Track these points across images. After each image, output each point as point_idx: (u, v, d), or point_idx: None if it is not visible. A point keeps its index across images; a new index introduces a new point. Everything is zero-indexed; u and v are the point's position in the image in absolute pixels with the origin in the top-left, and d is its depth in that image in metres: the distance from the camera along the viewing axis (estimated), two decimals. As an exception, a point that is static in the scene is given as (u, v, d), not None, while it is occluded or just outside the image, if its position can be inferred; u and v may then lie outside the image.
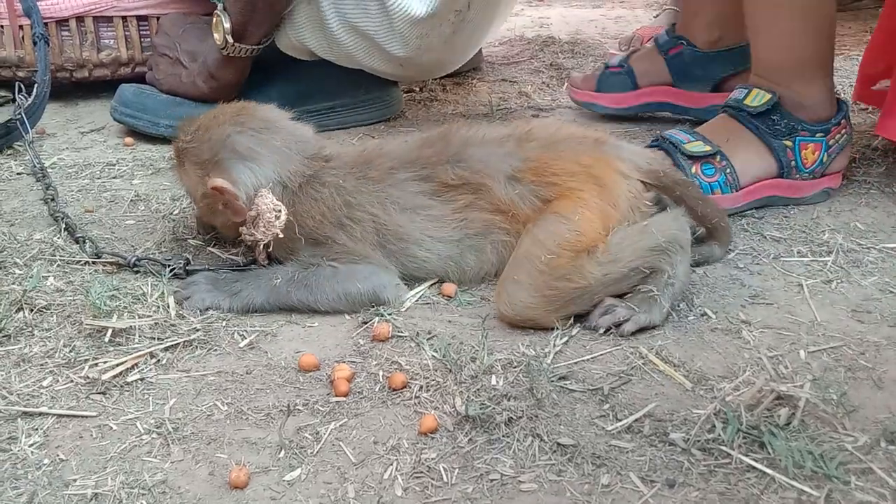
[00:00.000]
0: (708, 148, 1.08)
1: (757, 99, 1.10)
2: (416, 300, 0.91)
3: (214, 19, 1.33)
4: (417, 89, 1.75)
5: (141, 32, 1.65)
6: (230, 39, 1.32)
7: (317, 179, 0.93)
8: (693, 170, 1.07)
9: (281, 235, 0.89)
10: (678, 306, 0.88)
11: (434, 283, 0.94)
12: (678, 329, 0.85)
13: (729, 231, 0.98)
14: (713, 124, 1.14)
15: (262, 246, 0.91)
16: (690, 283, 0.92)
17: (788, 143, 1.09)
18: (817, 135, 1.09)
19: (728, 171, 1.08)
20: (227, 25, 1.31)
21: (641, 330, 0.84)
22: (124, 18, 1.63)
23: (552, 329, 0.84)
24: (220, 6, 1.32)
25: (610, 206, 0.89)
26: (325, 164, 0.94)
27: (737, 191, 1.08)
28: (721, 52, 1.40)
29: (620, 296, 0.86)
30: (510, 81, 1.76)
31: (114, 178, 1.30)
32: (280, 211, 0.88)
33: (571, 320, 0.85)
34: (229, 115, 0.95)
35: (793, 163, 1.10)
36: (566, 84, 1.53)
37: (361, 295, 0.88)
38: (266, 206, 0.88)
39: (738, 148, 1.09)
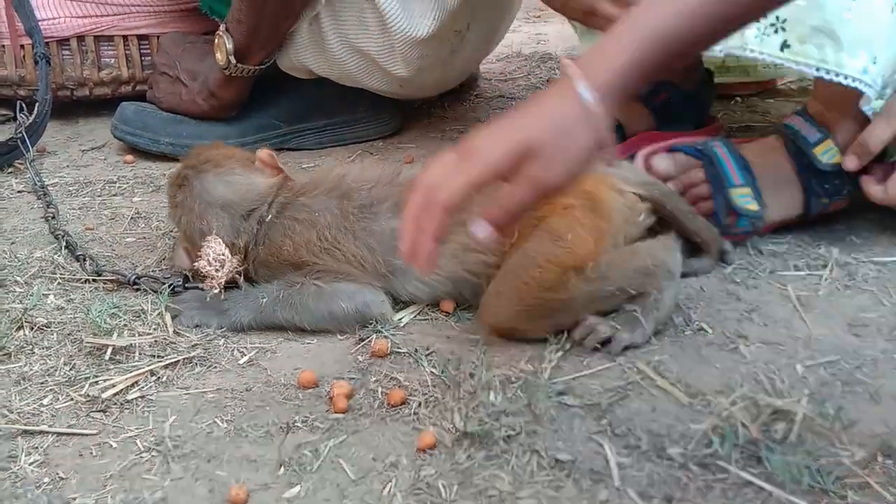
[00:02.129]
0: (755, 207, 1.02)
1: (828, 156, 1.01)
2: (415, 316, 0.92)
3: (217, 40, 1.34)
4: (416, 106, 1.76)
5: (142, 51, 1.66)
6: (233, 60, 1.34)
7: (287, 214, 0.93)
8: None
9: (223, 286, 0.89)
10: (675, 320, 0.88)
11: (432, 300, 0.94)
12: (675, 344, 0.85)
13: (719, 244, 0.99)
14: (764, 153, 1.06)
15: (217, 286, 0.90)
16: (687, 297, 0.92)
17: (826, 200, 1.04)
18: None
19: (757, 221, 1.03)
20: (230, 46, 1.33)
21: (630, 347, 0.84)
22: (125, 38, 1.64)
23: (547, 342, 0.85)
24: (222, 27, 1.34)
25: (603, 221, 0.89)
26: (295, 197, 0.94)
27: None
28: (708, 88, 1.36)
29: (606, 314, 0.86)
30: (508, 97, 1.77)
31: (114, 195, 1.31)
32: (224, 262, 0.88)
33: (564, 334, 0.86)
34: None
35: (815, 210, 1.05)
36: None
37: (346, 313, 0.88)
38: (208, 256, 0.88)
39: (776, 193, 1.03)
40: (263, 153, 1.00)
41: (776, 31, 0.93)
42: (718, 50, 0.95)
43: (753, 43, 0.94)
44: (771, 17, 0.92)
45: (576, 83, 0.68)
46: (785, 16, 0.92)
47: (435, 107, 1.74)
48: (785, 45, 0.93)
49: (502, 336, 0.87)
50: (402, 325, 0.90)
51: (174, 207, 0.96)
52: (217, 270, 0.87)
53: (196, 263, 0.88)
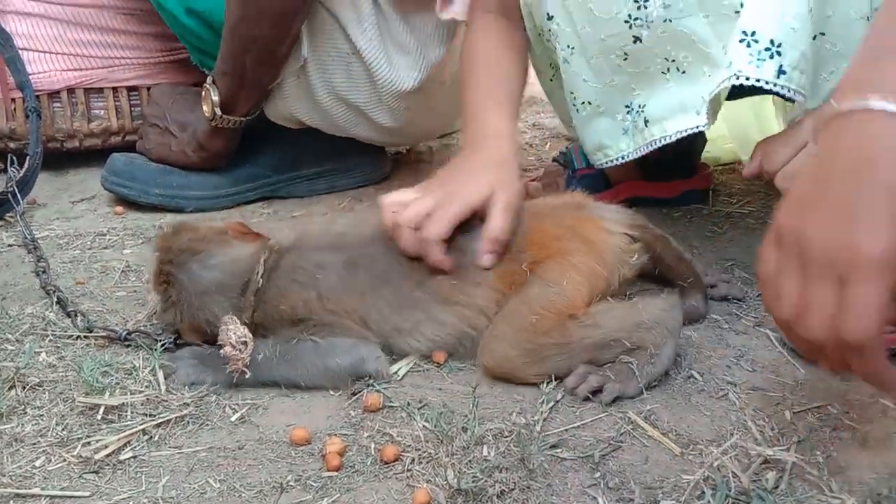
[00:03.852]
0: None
1: None
2: (410, 368, 0.92)
3: (203, 92, 1.36)
4: (405, 151, 1.79)
5: (131, 102, 1.68)
6: (218, 112, 1.35)
7: (280, 274, 0.93)
8: None
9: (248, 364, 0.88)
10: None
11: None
12: (666, 392, 0.86)
13: (704, 288, 1.00)
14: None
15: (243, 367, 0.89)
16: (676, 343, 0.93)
17: None
18: None
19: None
20: (216, 98, 1.34)
21: (620, 398, 0.84)
22: (115, 89, 1.66)
23: (539, 389, 0.85)
24: (209, 79, 1.36)
25: (598, 263, 0.91)
26: (284, 256, 0.95)
27: None
28: (699, 138, 1.34)
29: (602, 364, 0.87)
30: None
31: (104, 248, 1.31)
32: (247, 342, 0.87)
33: (554, 383, 0.86)
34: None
35: None
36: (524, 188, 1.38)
37: (343, 369, 0.88)
38: (230, 340, 0.86)
39: None
40: (233, 225, 0.99)
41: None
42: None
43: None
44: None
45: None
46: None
47: (423, 152, 1.76)
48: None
49: (499, 379, 0.88)
50: (395, 377, 0.90)
51: (170, 307, 0.94)
52: (242, 352, 0.86)
53: (222, 351, 0.86)
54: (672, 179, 1.36)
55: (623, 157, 1.11)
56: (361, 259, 0.94)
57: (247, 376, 0.87)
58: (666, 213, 1.33)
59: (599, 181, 1.35)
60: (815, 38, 0.91)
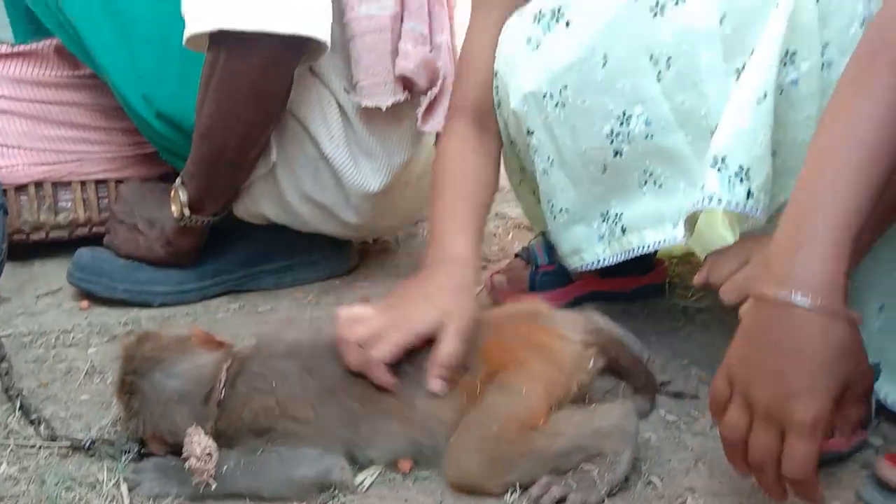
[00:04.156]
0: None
1: None
2: (375, 477, 0.93)
3: (172, 192, 1.39)
4: (371, 241, 1.82)
5: (99, 195, 1.69)
6: (187, 212, 1.38)
7: (242, 382, 0.94)
8: None
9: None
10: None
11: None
12: (626, 499, 0.88)
13: (655, 392, 1.04)
14: None
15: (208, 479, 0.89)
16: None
17: None
18: None
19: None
20: (185, 199, 1.37)
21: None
22: (83, 182, 1.68)
23: (503, 501, 0.87)
24: (178, 180, 1.38)
25: (556, 371, 0.94)
26: (245, 364, 0.96)
27: None
28: None
29: (562, 473, 0.89)
30: (459, 232, 1.83)
31: (69, 346, 1.31)
32: (212, 453, 0.87)
33: (518, 492, 0.88)
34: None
35: None
36: (486, 285, 1.42)
37: (307, 480, 0.89)
38: (194, 453, 0.87)
39: None
40: (198, 333, 1.00)
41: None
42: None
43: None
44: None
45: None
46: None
47: (390, 242, 1.80)
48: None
49: (464, 492, 0.89)
50: (362, 489, 0.91)
51: (133, 416, 0.95)
52: (206, 463, 0.87)
53: (187, 464, 0.86)
54: (628, 275, 1.40)
55: (599, 262, 1.15)
56: (316, 369, 0.95)
57: (212, 488, 0.87)
58: (623, 308, 1.37)
59: (561, 277, 1.38)
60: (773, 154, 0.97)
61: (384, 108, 1.33)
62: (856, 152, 0.71)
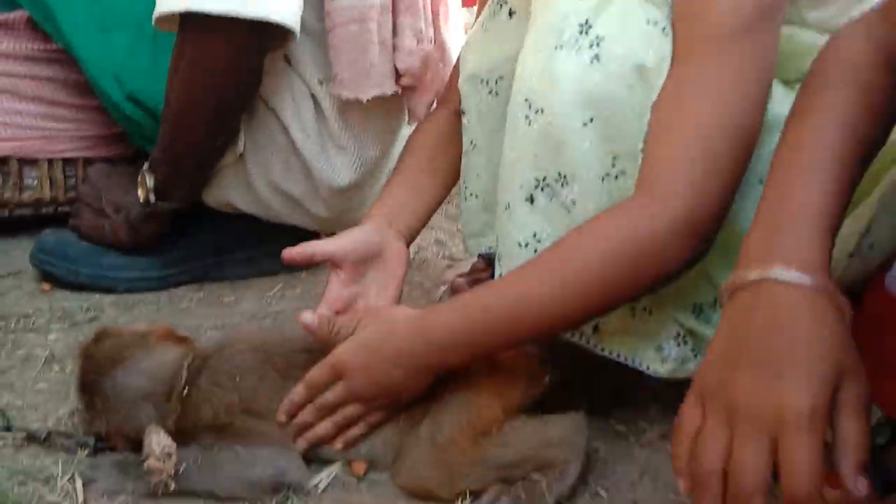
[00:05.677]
0: None
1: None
2: (332, 478, 0.94)
3: (140, 177, 1.38)
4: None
5: (66, 174, 1.67)
6: (153, 198, 1.37)
7: (203, 378, 0.95)
8: None
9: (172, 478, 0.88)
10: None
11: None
12: (572, 511, 0.91)
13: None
14: None
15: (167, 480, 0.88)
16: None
17: None
18: None
19: None
20: (151, 184, 1.36)
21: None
22: (50, 161, 1.66)
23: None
24: (146, 165, 1.37)
25: (508, 382, 0.96)
26: (207, 359, 0.97)
27: None
28: None
29: (512, 482, 0.90)
30: (427, 227, 1.84)
31: (29, 331, 1.30)
32: (171, 453, 0.87)
33: (469, 499, 0.90)
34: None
35: None
36: (447, 289, 1.44)
37: (262, 480, 0.90)
38: (154, 453, 0.87)
39: None
40: (161, 330, 1.00)
41: None
42: None
43: None
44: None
45: None
46: None
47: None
48: None
49: (415, 496, 0.91)
50: (317, 490, 0.92)
51: (96, 416, 0.95)
52: (165, 463, 0.87)
53: (147, 464, 0.86)
54: None
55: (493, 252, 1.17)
56: (280, 363, 0.96)
57: (171, 489, 0.88)
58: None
59: None
60: None
61: (364, 101, 1.33)
62: (820, 152, 0.70)
